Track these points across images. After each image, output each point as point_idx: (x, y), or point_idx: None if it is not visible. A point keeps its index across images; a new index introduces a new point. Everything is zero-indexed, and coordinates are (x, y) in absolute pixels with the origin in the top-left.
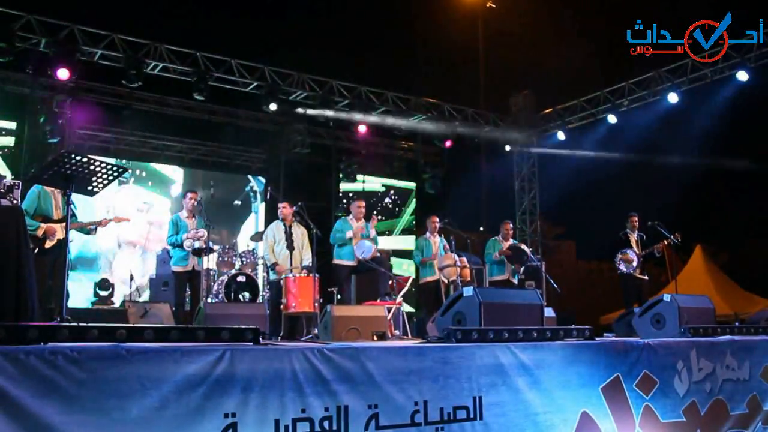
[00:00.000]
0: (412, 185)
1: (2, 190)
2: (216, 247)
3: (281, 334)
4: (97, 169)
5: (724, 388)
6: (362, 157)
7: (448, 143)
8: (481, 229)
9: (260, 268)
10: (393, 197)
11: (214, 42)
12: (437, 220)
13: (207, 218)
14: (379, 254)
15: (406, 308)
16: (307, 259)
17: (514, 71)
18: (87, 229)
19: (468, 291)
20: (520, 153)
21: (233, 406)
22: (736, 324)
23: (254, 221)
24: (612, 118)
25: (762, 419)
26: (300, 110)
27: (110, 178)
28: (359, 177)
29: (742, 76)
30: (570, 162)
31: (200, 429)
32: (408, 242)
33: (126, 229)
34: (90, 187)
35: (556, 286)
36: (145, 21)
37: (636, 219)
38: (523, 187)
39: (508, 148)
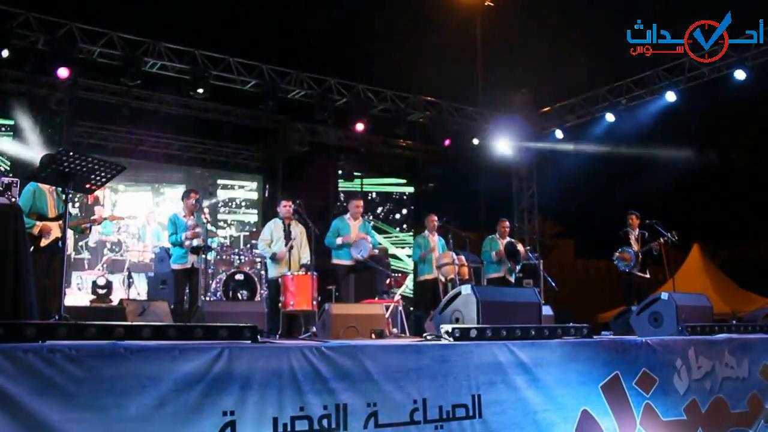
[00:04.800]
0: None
1: (0, 188)
2: (215, 246)
3: (279, 333)
4: (96, 167)
5: (724, 387)
6: (361, 155)
7: (447, 142)
8: (479, 228)
9: (259, 266)
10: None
11: (213, 40)
12: (436, 218)
13: (206, 217)
14: (376, 252)
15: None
16: (306, 257)
17: (513, 69)
18: (81, 228)
19: (466, 289)
20: (518, 151)
21: (232, 404)
22: (734, 322)
23: None
24: (610, 117)
25: (764, 417)
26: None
27: (108, 176)
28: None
29: (740, 75)
30: (568, 160)
31: (199, 427)
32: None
33: None
34: (88, 185)
35: (554, 284)
36: (144, 19)
37: (636, 217)
38: (522, 186)
39: (506, 146)
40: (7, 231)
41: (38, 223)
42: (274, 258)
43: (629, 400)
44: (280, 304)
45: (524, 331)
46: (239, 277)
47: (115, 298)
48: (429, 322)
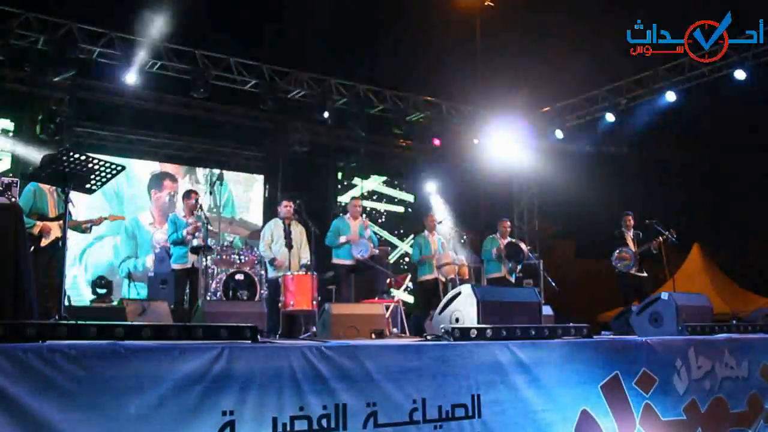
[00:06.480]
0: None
1: (0, 188)
2: (214, 246)
3: (279, 333)
4: (96, 167)
5: (723, 386)
6: (361, 156)
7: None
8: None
9: (259, 266)
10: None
11: (213, 40)
12: (435, 218)
13: (205, 217)
14: (377, 252)
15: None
16: (306, 257)
17: (513, 69)
18: (82, 228)
19: (466, 289)
20: (518, 151)
21: (231, 404)
22: (734, 322)
23: None
24: (610, 117)
25: (764, 417)
26: (298, 108)
27: (108, 176)
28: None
29: (740, 75)
30: (568, 160)
31: (198, 427)
32: None
33: None
34: (88, 185)
35: (554, 284)
36: (144, 19)
37: (631, 218)
38: (522, 186)
39: (506, 146)
40: (7, 231)
41: (39, 223)
42: (273, 263)
43: (629, 400)
44: (280, 304)
45: (524, 331)
46: (239, 277)
47: None
48: (429, 321)
